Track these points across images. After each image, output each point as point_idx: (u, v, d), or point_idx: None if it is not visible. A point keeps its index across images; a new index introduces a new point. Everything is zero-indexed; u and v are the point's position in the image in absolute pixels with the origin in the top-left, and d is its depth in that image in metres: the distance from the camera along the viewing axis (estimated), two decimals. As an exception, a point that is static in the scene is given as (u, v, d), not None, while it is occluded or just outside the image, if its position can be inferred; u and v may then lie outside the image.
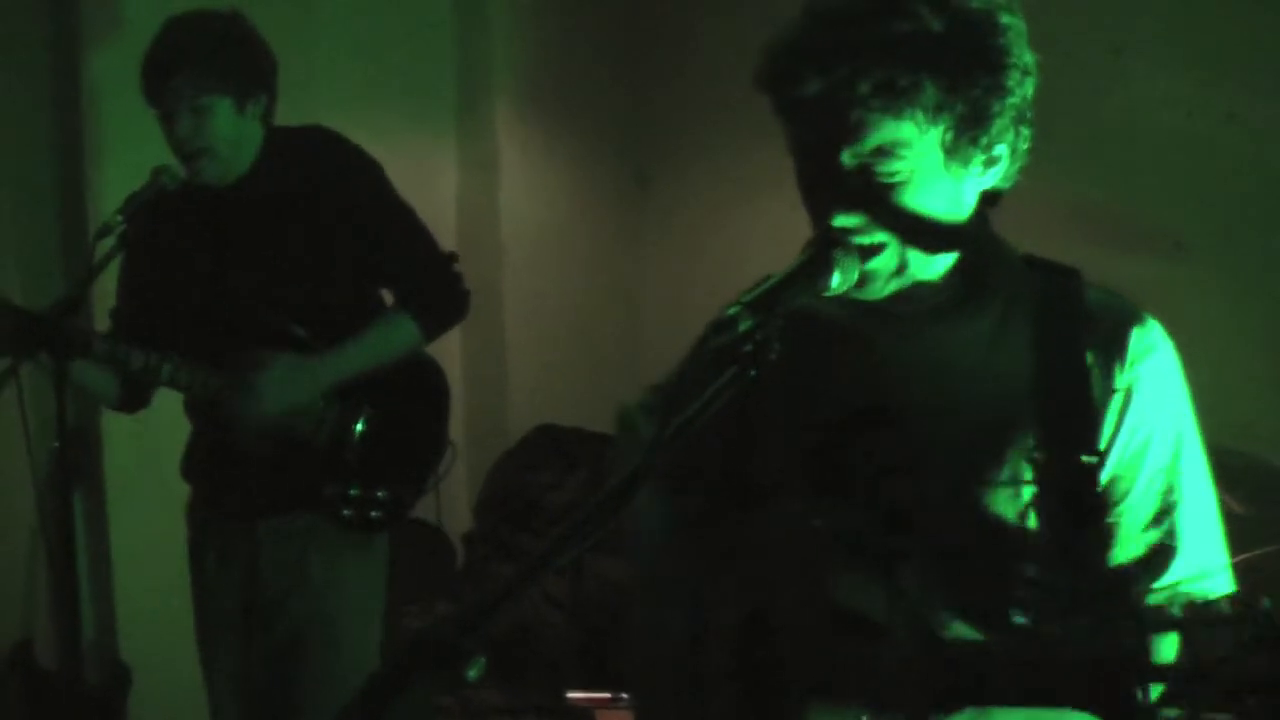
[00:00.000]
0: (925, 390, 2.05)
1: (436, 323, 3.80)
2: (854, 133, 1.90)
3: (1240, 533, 3.72)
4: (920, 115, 1.89)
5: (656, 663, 2.21)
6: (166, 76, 3.47)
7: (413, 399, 3.81)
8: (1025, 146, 2.02)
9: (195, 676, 3.87)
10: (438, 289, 3.80)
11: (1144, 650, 1.61)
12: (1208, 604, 1.58)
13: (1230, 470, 3.81)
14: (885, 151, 1.91)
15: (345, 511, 3.67)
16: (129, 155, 3.71)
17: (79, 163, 4.97)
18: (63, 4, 4.97)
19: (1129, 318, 2.04)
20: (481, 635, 1.45)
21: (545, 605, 5.29)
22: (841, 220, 1.93)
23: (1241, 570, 2.12)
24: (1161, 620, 1.61)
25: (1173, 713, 1.59)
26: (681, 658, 2.15)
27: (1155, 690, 1.62)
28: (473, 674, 1.42)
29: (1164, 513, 2.01)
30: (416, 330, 3.73)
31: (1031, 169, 2.11)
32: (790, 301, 1.81)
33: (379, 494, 3.69)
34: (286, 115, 3.75)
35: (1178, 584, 2.00)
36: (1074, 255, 2.22)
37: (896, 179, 1.92)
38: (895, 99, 1.87)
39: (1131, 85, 4.99)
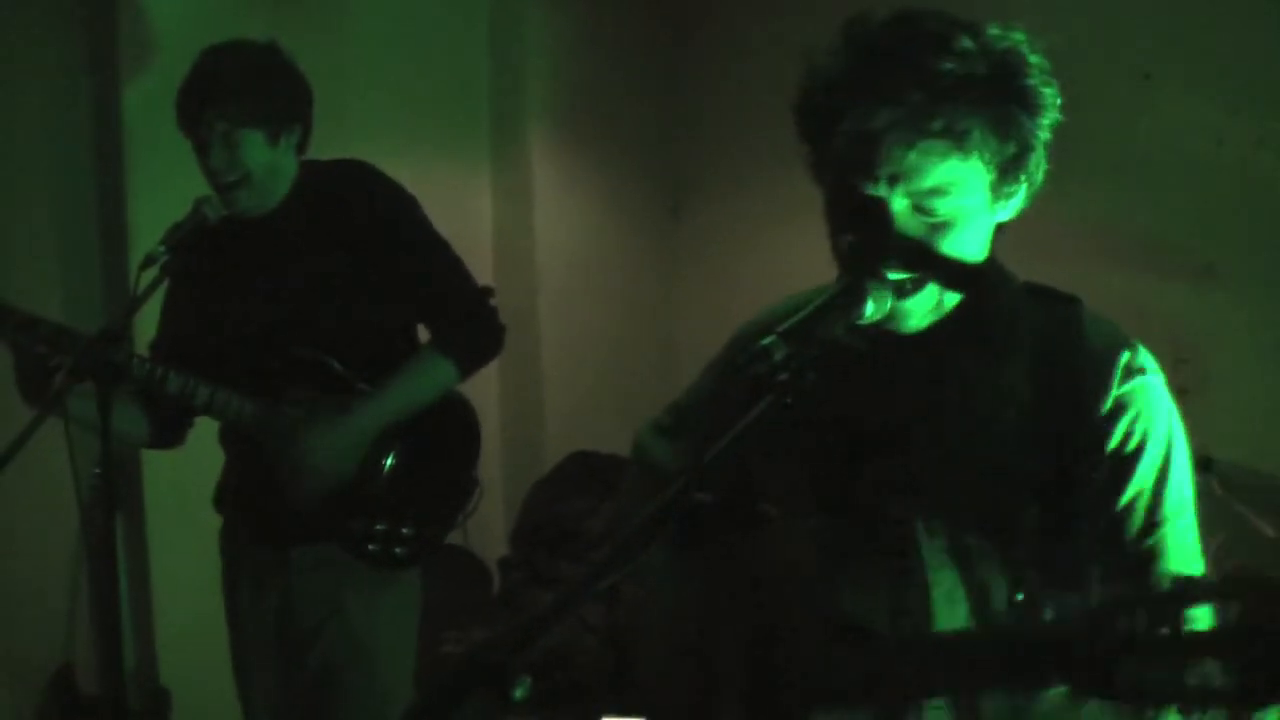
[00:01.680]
0: (928, 413, 2.08)
1: (472, 360, 3.78)
2: (915, 171, 1.91)
3: (1271, 555, 3.75)
4: (976, 156, 1.92)
5: (664, 674, 2.24)
6: (200, 108, 3.49)
7: (442, 436, 3.79)
8: (1040, 178, 2.05)
9: (235, 701, 3.90)
10: (473, 326, 3.79)
11: (1135, 626, 1.62)
12: (1194, 579, 1.59)
13: (1261, 493, 3.84)
14: (939, 191, 1.93)
15: (371, 547, 3.67)
16: (168, 186, 3.73)
17: (119, 194, 5.01)
18: (101, 40, 5.02)
19: (1121, 343, 2.07)
20: (527, 657, 1.47)
21: (580, 630, 5.30)
22: (893, 261, 1.95)
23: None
24: (1147, 595, 1.62)
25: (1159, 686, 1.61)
26: (689, 670, 2.17)
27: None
28: (519, 694, 1.44)
29: (1150, 528, 2.04)
30: (453, 369, 3.72)
31: (1063, 195, 2.13)
32: (825, 331, 1.83)
33: (405, 530, 3.70)
34: (320, 146, 3.77)
35: None
36: (1105, 280, 2.26)
37: (944, 218, 1.95)
38: (959, 140, 1.90)
39: (1161, 111, 4.99)
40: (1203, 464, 3.56)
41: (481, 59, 6.29)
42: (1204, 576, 1.61)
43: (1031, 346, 2.07)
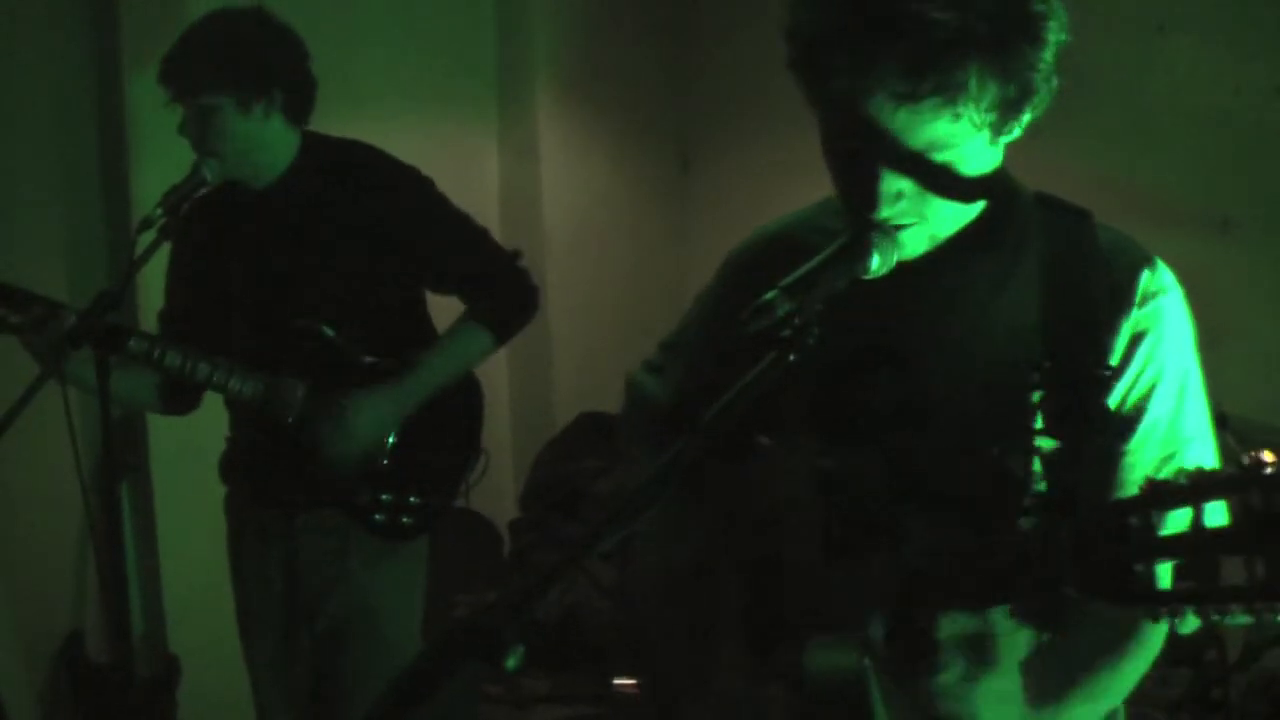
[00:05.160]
0: (932, 331, 2.02)
1: (509, 327, 3.81)
2: (903, 134, 1.82)
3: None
4: (972, 107, 1.81)
5: (661, 610, 2.20)
6: (167, 77, 3.47)
7: (446, 406, 3.78)
8: (1055, 85, 1.89)
9: (243, 667, 3.89)
10: (507, 293, 3.80)
11: (1149, 525, 1.56)
12: (1212, 470, 1.52)
13: (1277, 449, 3.79)
14: (930, 148, 1.84)
15: (377, 516, 3.67)
16: (169, 155, 3.71)
17: (122, 163, 5.00)
18: (104, 13, 5.00)
19: (1139, 260, 2.01)
20: (522, 624, 1.44)
21: (594, 593, 5.29)
22: (886, 213, 1.88)
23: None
24: (1167, 491, 1.55)
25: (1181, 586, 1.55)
26: (685, 610, 2.14)
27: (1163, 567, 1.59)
28: (511, 664, 1.40)
29: (1169, 458, 1.97)
30: (490, 337, 3.75)
31: (1077, 147, 2.08)
32: (829, 286, 1.78)
33: (411, 500, 3.69)
34: (328, 108, 3.73)
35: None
36: (1121, 234, 2.20)
37: (940, 162, 1.87)
38: (950, 99, 1.79)
39: (1176, 62, 4.94)
40: (1218, 420, 3.51)
41: (488, 16, 6.26)
42: (1220, 469, 1.53)
43: (1042, 258, 2.01)
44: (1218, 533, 1.51)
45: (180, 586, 5.03)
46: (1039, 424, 1.90)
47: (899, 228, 1.91)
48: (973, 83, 1.78)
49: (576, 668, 5.21)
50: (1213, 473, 1.52)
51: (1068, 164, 2.09)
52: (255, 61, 3.52)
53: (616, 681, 4.38)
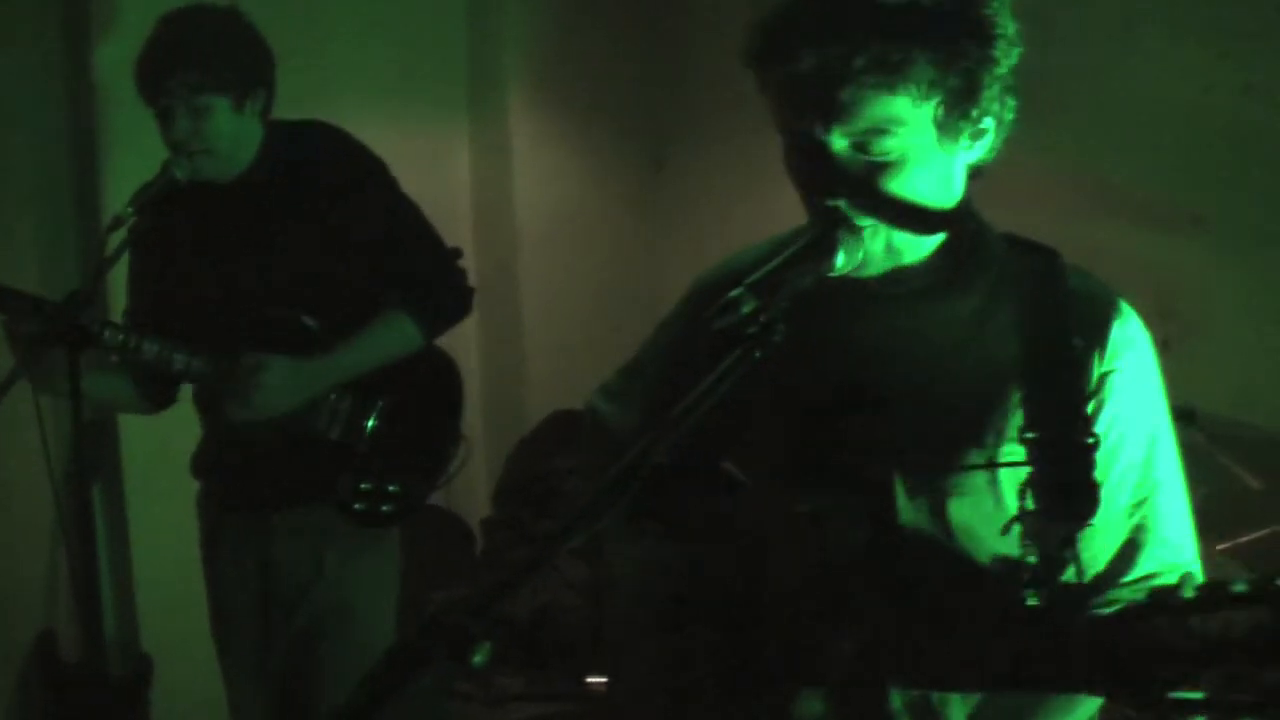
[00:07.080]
0: (909, 371, 2.04)
1: (437, 322, 3.76)
2: (847, 111, 1.88)
3: (1256, 508, 3.74)
4: (913, 90, 1.86)
5: (633, 655, 2.21)
6: (163, 76, 3.44)
7: (425, 393, 3.78)
8: (1010, 116, 2.00)
9: (217, 667, 3.88)
10: (437, 289, 3.77)
11: (1155, 631, 1.59)
12: (1222, 583, 1.55)
13: (1247, 445, 3.82)
14: (878, 130, 1.89)
15: (357, 505, 3.66)
16: (141, 149, 3.70)
17: (92, 157, 4.98)
18: (72, 4, 4.98)
19: (1109, 307, 2.03)
20: (488, 621, 1.44)
21: (564, 590, 5.29)
22: (831, 202, 1.92)
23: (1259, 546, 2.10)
24: (1173, 600, 1.58)
25: (1190, 695, 1.57)
26: (659, 648, 2.14)
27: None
28: (478, 660, 1.41)
29: (1135, 507, 2.01)
30: (414, 329, 3.70)
31: (1046, 144, 2.09)
32: (795, 283, 1.79)
33: (391, 488, 3.68)
34: (299, 102, 3.73)
35: (1148, 578, 2.01)
36: (1092, 232, 2.22)
37: (889, 158, 1.91)
38: (889, 75, 1.85)
39: (1145, 58, 4.94)
40: (1187, 416, 3.54)
41: (458, 11, 6.24)
42: (1232, 581, 1.56)
43: (1018, 302, 2.03)
44: (1239, 642, 1.53)
45: (153, 585, 5.02)
46: (1029, 503, 1.93)
47: (859, 228, 1.93)
48: (913, 67, 1.85)
49: (549, 665, 5.20)
50: (1222, 586, 1.54)
51: (1036, 160, 2.09)
52: (249, 60, 3.54)
53: (589, 679, 4.38)
